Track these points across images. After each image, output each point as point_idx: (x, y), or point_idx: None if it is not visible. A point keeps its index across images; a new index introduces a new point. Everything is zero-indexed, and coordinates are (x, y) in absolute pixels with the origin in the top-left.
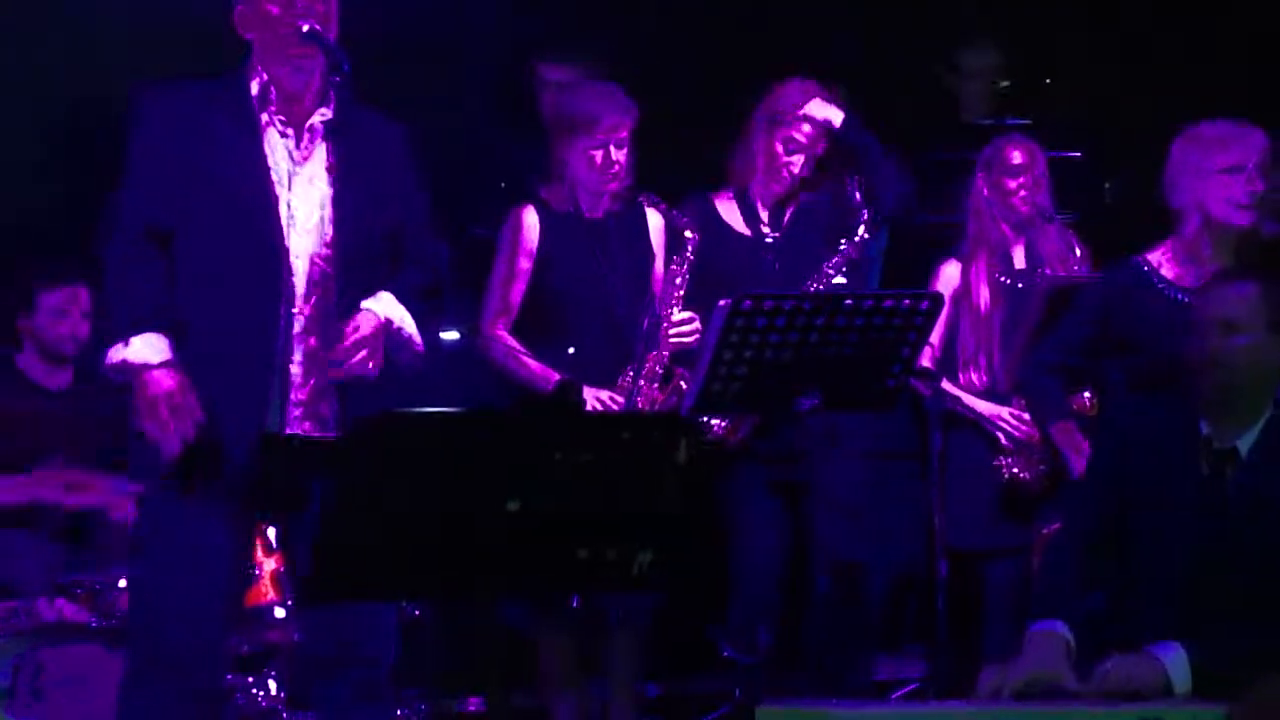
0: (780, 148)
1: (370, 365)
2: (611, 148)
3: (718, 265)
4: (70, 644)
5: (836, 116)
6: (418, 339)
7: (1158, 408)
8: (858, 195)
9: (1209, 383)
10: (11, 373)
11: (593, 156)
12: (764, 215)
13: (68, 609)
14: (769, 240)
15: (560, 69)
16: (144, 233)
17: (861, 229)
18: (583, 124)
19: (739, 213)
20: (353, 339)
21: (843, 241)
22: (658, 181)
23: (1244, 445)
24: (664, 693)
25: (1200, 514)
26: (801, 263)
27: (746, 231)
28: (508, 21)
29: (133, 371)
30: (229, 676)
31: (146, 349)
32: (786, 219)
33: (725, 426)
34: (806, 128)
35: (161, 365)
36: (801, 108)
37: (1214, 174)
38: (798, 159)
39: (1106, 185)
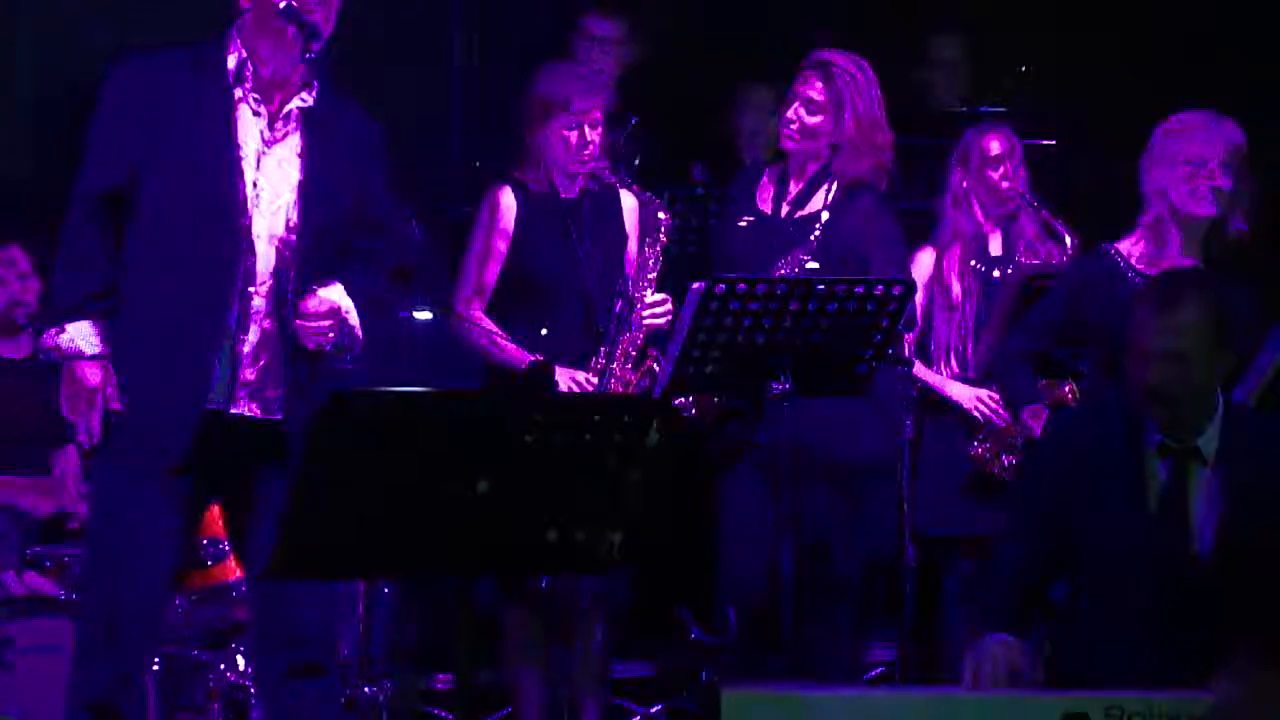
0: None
1: (330, 336)
2: (585, 128)
3: (730, 242)
4: (38, 617)
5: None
6: (359, 336)
7: (1093, 425)
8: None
9: (1159, 409)
10: None
11: (566, 137)
12: (793, 192)
13: (37, 582)
14: (780, 219)
15: (607, 23)
16: (96, 202)
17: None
18: (556, 105)
19: (771, 190)
20: (318, 306)
21: None
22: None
23: (1206, 445)
24: (631, 673)
25: (1163, 521)
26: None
27: (767, 208)
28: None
29: (64, 358)
30: (195, 652)
31: (79, 339)
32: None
33: (689, 405)
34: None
35: (91, 358)
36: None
37: (1179, 164)
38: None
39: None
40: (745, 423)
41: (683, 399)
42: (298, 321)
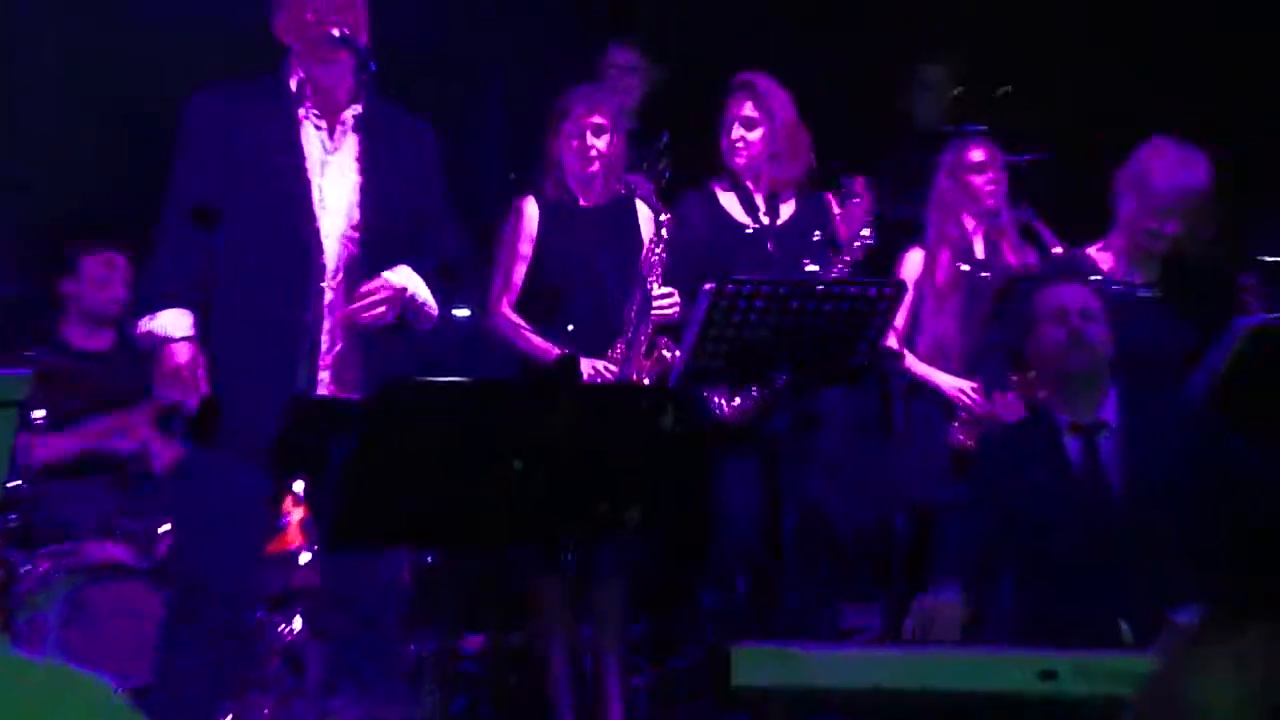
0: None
1: (384, 312)
2: (589, 135)
3: (718, 250)
4: (116, 582)
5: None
6: (432, 306)
7: (1018, 430)
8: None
9: (1072, 365)
10: (55, 338)
11: (574, 145)
12: (760, 204)
13: (115, 551)
14: (763, 229)
15: (627, 53)
16: (188, 214)
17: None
18: (561, 116)
19: (737, 202)
20: (370, 290)
21: (850, 246)
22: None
23: (1107, 415)
24: (647, 633)
25: (1084, 484)
26: (795, 251)
27: (745, 220)
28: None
29: (156, 342)
30: (260, 614)
31: (171, 323)
32: (785, 212)
33: (730, 407)
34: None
35: (182, 339)
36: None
37: (1147, 201)
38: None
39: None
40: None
41: (724, 400)
42: (349, 306)
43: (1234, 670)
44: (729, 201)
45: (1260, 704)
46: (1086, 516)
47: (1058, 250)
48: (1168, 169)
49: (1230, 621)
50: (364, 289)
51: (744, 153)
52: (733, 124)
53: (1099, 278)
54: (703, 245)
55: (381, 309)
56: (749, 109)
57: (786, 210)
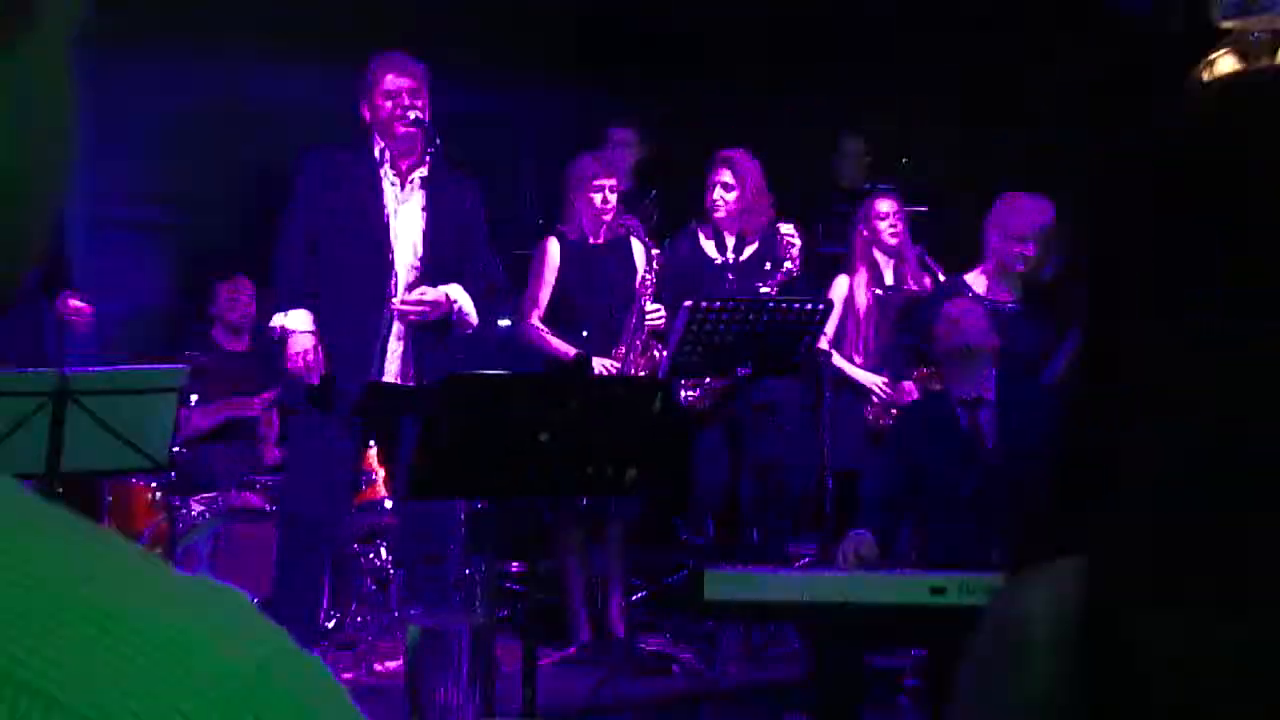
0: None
1: (426, 311)
2: (605, 193)
3: (696, 276)
4: (250, 522)
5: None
6: (473, 317)
7: (924, 404)
8: (784, 241)
9: (964, 364)
10: (207, 341)
11: (591, 198)
12: (729, 243)
13: (250, 498)
14: (727, 263)
15: (625, 131)
16: (301, 244)
17: (791, 265)
18: (583, 179)
19: (713, 242)
20: (418, 294)
21: (779, 273)
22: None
23: (987, 393)
24: (642, 561)
25: (968, 449)
26: (750, 279)
27: (716, 256)
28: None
29: (286, 332)
30: (354, 546)
31: (297, 319)
32: (748, 251)
33: (696, 398)
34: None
35: (304, 332)
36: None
37: (1006, 233)
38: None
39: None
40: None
41: (691, 393)
42: (396, 305)
43: (1051, 587)
44: (706, 241)
45: (1071, 616)
46: (969, 468)
47: (943, 278)
48: (1023, 210)
49: (1046, 551)
50: (411, 294)
51: (722, 209)
52: (714, 187)
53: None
54: (686, 271)
55: (423, 309)
56: (727, 176)
57: (750, 249)
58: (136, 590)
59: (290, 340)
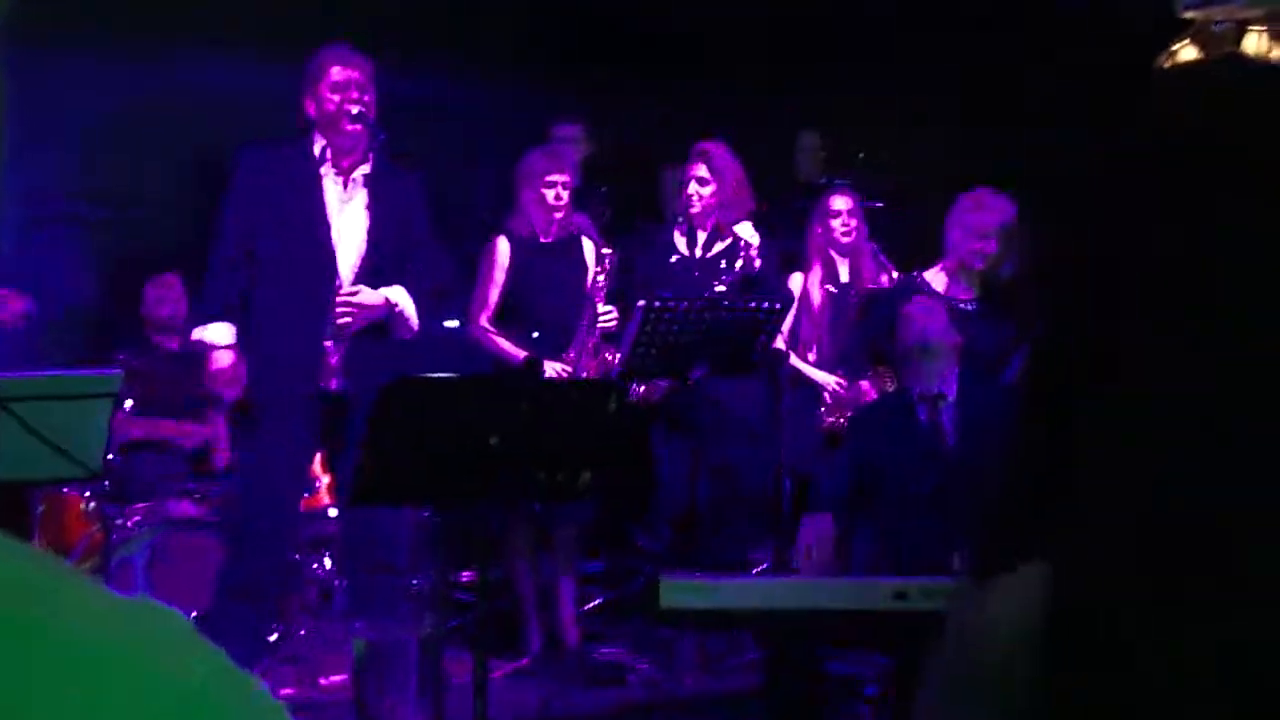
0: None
1: (358, 314)
2: (558, 189)
3: (663, 272)
4: (188, 532)
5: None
6: (413, 320)
7: (884, 401)
8: (743, 242)
9: (923, 361)
10: (141, 341)
11: (543, 195)
12: (700, 239)
13: (188, 508)
14: (694, 259)
15: (571, 127)
16: (234, 247)
17: (756, 261)
18: (533, 174)
19: (683, 237)
20: (348, 297)
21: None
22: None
23: (947, 390)
24: (594, 569)
25: (929, 446)
26: (712, 277)
27: (685, 251)
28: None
29: (205, 347)
30: (297, 555)
31: (217, 334)
32: (718, 248)
33: (640, 392)
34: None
35: (224, 347)
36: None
37: (967, 229)
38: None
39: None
40: (674, 403)
41: (639, 387)
42: (335, 309)
43: (1016, 596)
44: (680, 238)
45: (1034, 619)
46: (929, 465)
47: (896, 275)
48: (985, 207)
49: (1008, 557)
50: (340, 297)
51: (698, 204)
52: (689, 182)
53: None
54: (652, 266)
55: (358, 313)
56: (702, 170)
57: (719, 246)
58: (74, 611)
59: (210, 357)
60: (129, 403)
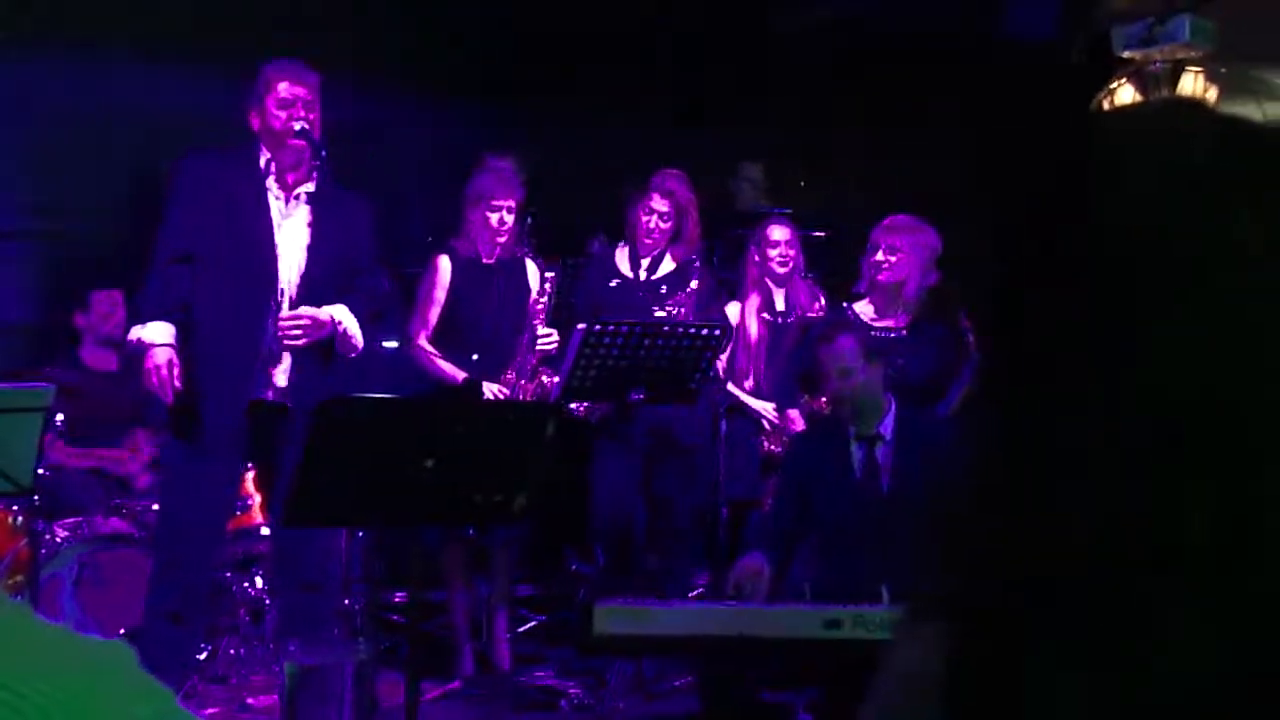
0: (644, 218)
1: (307, 331)
2: (503, 213)
3: (605, 295)
4: (117, 548)
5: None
6: (358, 339)
7: (820, 427)
8: (696, 263)
9: (844, 409)
10: (73, 359)
11: (488, 218)
12: (644, 264)
13: (117, 524)
14: (637, 282)
15: (501, 159)
16: (173, 257)
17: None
18: (482, 196)
19: (628, 260)
20: (294, 317)
21: (680, 293)
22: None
23: (885, 430)
24: (528, 593)
25: (863, 483)
26: (654, 301)
27: (629, 274)
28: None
29: (144, 345)
30: (228, 574)
31: (155, 332)
32: (663, 270)
33: (582, 410)
34: (659, 205)
35: (163, 345)
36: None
37: (874, 245)
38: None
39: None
40: (613, 420)
41: (579, 405)
42: (280, 325)
43: (927, 648)
44: (621, 259)
45: (940, 679)
46: (863, 506)
47: (823, 303)
48: (895, 227)
49: (921, 611)
50: (284, 317)
51: (653, 234)
52: (650, 214)
53: (865, 329)
54: (596, 285)
55: (305, 330)
56: (663, 205)
57: (665, 268)
58: (25, 652)
59: (148, 354)
60: (60, 417)
